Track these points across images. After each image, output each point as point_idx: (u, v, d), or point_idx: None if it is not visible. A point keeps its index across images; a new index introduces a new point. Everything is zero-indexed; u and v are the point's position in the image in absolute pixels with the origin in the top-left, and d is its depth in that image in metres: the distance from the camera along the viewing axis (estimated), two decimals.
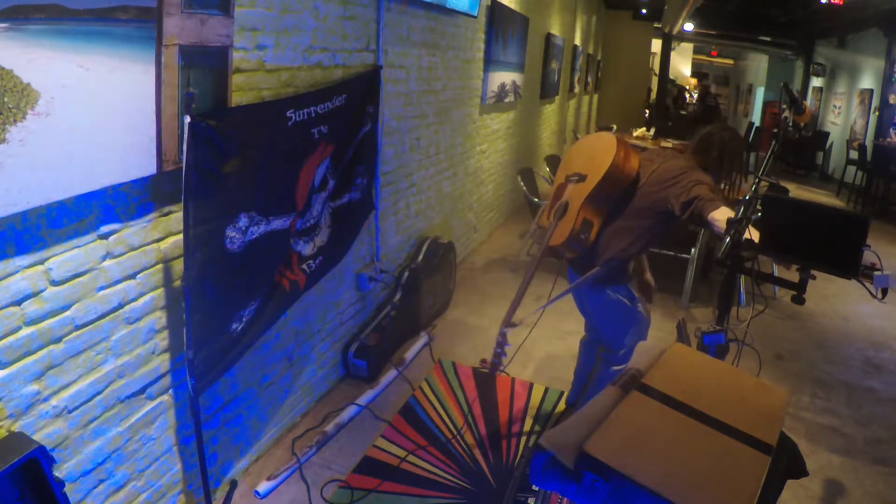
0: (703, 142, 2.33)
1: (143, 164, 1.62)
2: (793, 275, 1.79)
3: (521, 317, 2.46)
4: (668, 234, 2.40)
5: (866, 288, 1.62)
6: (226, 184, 1.79)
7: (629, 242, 2.28)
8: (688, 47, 18.92)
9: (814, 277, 1.73)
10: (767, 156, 2.15)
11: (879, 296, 1.58)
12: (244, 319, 2.00)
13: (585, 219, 2.26)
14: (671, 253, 4.51)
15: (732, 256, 1.79)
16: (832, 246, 1.59)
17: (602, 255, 2.30)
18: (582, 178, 2.31)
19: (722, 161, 2.29)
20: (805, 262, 1.69)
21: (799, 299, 1.77)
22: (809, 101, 13.56)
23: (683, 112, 13.92)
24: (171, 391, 1.94)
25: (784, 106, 2.25)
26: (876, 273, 1.56)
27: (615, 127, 7.59)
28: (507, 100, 5.56)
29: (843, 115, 11.41)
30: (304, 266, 2.38)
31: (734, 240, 1.72)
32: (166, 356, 1.90)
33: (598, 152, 2.33)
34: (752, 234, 1.77)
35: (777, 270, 4.81)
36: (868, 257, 1.56)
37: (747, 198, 1.78)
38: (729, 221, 1.77)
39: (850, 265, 1.55)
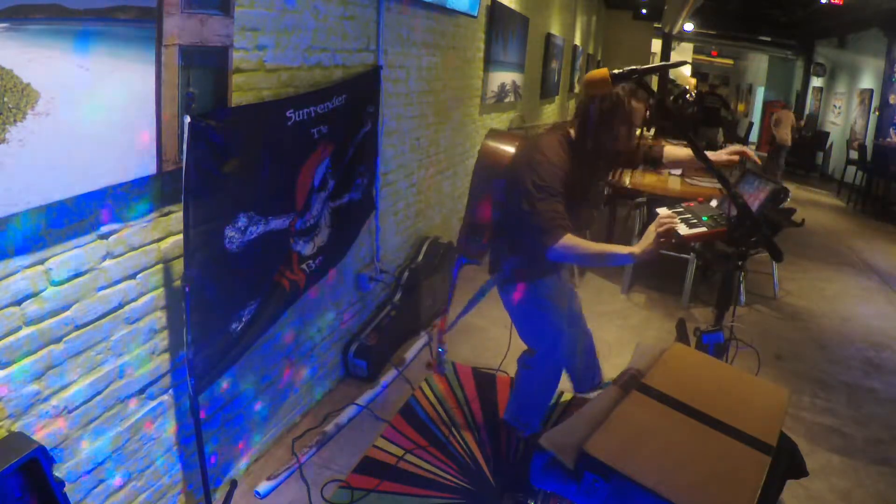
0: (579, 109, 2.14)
1: (143, 164, 1.62)
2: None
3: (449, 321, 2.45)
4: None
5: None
6: (225, 184, 1.79)
7: (520, 234, 2.13)
8: (688, 47, 18.90)
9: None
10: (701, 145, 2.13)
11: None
12: (244, 319, 2.00)
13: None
14: (671, 253, 4.51)
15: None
16: None
17: (503, 251, 2.24)
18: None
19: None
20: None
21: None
22: (809, 101, 13.58)
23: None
24: (171, 391, 1.94)
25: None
26: None
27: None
28: (507, 100, 5.56)
29: (843, 115, 11.41)
30: (304, 266, 2.38)
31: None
32: (166, 356, 1.90)
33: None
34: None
35: (776, 269, 4.82)
36: None
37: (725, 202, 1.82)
38: (731, 233, 1.78)
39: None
